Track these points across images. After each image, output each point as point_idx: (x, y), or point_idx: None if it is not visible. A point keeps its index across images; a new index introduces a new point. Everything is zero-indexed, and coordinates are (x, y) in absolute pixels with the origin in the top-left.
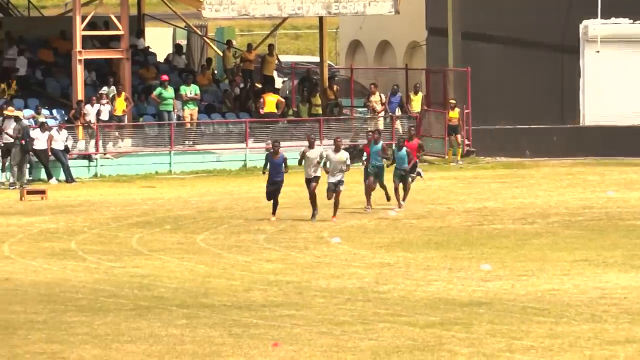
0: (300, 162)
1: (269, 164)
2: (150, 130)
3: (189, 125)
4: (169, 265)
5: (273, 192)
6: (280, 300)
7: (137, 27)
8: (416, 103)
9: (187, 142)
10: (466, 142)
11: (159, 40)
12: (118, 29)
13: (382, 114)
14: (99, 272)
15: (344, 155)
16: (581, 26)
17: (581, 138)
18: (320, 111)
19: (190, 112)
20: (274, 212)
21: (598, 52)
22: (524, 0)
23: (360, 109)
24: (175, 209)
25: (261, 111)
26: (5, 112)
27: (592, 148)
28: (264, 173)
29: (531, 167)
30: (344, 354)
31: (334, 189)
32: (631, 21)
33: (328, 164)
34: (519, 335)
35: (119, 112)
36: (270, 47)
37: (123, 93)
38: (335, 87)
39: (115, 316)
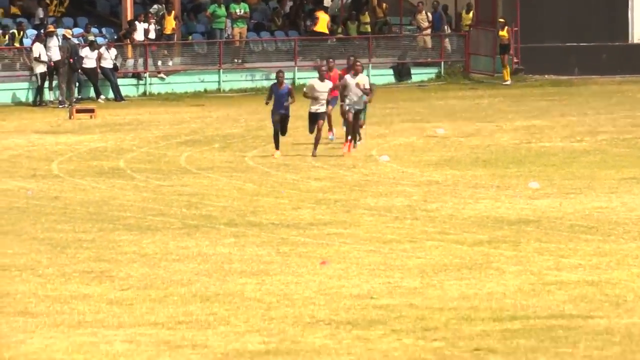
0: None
1: (273, 95)
2: (200, 49)
3: (238, 44)
4: (217, 184)
5: (279, 122)
6: (328, 219)
7: None
8: (467, 21)
9: (236, 60)
10: (515, 60)
11: None
12: None
13: (429, 31)
14: (147, 191)
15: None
16: None
17: (630, 55)
18: (369, 29)
19: (240, 30)
20: (277, 146)
21: None
22: None
23: (409, 27)
24: (223, 127)
25: (314, 28)
26: (48, 30)
27: None
28: (267, 104)
29: (579, 85)
30: (391, 272)
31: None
32: None
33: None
34: (566, 254)
35: (168, 31)
36: None
37: (173, 12)
38: (384, 5)
39: (163, 235)
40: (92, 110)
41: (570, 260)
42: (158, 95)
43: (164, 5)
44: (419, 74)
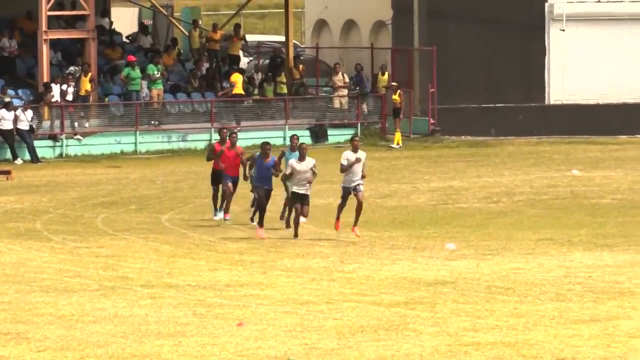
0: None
1: (255, 167)
2: (116, 110)
3: (154, 105)
4: (133, 245)
5: (265, 197)
6: (244, 280)
7: (102, 7)
8: (383, 82)
9: (152, 122)
10: (431, 121)
11: (125, 20)
12: (84, 9)
13: (345, 92)
14: (64, 252)
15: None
16: (547, 4)
17: (546, 117)
18: (285, 90)
19: (157, 91)
20: (262, 223)
21: (563, 30)
22: None
23: (325, 89)
24: (140, 188)
25: (231, 92)
26: None
27: (557, 127)
28: (246, 178)
29: (496, 146)
30: (308, 334)
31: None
32: (597, 0)
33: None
34: (483, 315)
35: (82, 92)
36: (236, 26)
37: (89, 73)
38: (300, 66)
39: (80, 296)
40: (8, 172)
41: (487, 321)
42: (74, 157)
43: (80, 67)
44: (335, 135)
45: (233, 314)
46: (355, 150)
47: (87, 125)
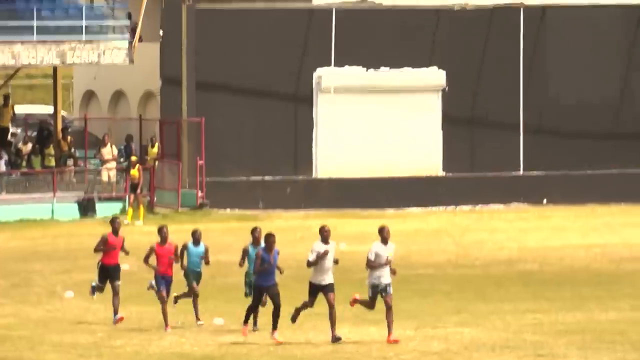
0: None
1: (261, 260)
2: None
3: None
4: None
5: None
6: (12, 356)
7: None
8: (152, 155)
9: None
10: (200, 193)
11: None
12: None
13: (114, 164)
14: None
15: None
16: (315, 75)
17: (314, 190)
18: (53, 162)
19: None
20: (247, 321)
21: (331, 94)
22: (259, 49)
23: (93, 161)
24: None
25: None
26: None
27: (325, 200)
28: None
29: (264, 219)
30: None
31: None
32: (365, 69)
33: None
34: None
35: None
36: (6, 97)
37: None
38: (69, 137)
39: None
40: None
41: None
42: None
43: None
44: (104, 208)
45: None
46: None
47: None
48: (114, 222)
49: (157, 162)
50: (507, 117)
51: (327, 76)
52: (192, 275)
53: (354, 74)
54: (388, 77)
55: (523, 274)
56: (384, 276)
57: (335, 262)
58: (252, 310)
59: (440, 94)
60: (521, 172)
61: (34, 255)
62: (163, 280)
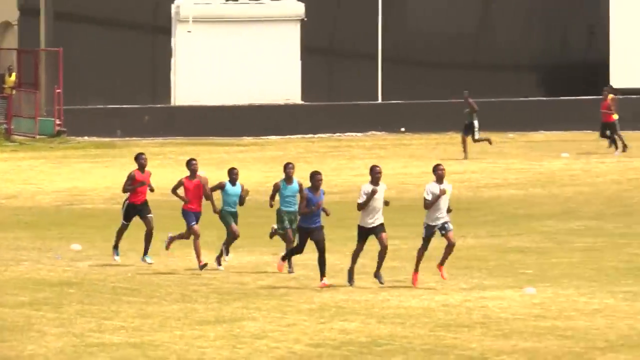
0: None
1: (307, 201)
2: None
3: None
4: None
5: (315, 241)
6: None
7: None
8: (10, 83)
9: None
10: (57, 122)
11: None
12: None
13: None
14: None
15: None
16: (173, 6)
17: (172, 118)
18: None
19: None
20: (324, 274)
21: (190, 32)
22: None
23: None
24: None
25: None
26: None
27: (183, 128)
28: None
29: (122, 147)
30: None
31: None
32: (224, 1)
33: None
34: (109, 315)
35: None
36: None
37: None
38: None
39: None
40: None
41: (113, 322)
42: None
43: None
44: None
45: None
46: (440, 180)
47: None
48: (140, 158)
49: (14, 91)
50: (365, 47)
51: (185, 6)
52: (231, 216)
53: (212, 4)
54: (247, 8)
55: None
56: (440, 217)
57: (386, 203)
58: (295, 252)
59: (299, 24)
60: (379, 100)
61: None
62: (193, 215)
